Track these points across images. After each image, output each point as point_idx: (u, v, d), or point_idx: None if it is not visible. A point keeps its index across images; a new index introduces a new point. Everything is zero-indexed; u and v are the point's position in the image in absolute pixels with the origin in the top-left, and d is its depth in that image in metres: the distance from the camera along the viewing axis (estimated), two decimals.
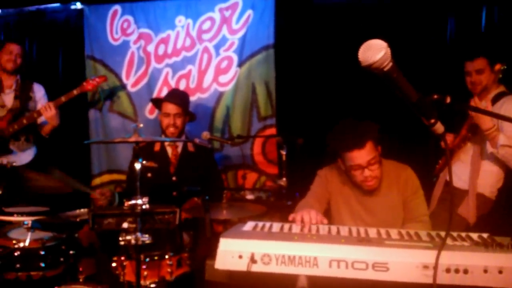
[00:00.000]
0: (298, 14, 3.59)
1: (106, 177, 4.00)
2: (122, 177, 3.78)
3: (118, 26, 3.90)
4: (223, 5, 3.69)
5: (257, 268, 1.44)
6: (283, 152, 3.05)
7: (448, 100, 1.17)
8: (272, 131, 3.66)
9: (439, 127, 1.21)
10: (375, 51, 1.10)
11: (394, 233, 1.64)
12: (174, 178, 3.04)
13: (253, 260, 1.44)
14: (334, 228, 1.70)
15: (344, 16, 3.49)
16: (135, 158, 2.97)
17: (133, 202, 1.96)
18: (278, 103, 3.66)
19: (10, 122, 3.41)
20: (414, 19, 3.33)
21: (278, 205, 2.97)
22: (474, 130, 2.70)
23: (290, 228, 1.71)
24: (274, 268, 1.42)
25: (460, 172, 2.80)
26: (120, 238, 1.93)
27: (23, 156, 3.49)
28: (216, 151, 3.69)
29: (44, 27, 4.14)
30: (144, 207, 1.98)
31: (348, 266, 1.37)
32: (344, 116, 2.14)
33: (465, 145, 2.82)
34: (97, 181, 3.99)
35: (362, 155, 2.00)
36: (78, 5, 3.99)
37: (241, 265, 1.44)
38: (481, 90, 2.71)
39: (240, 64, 3.68)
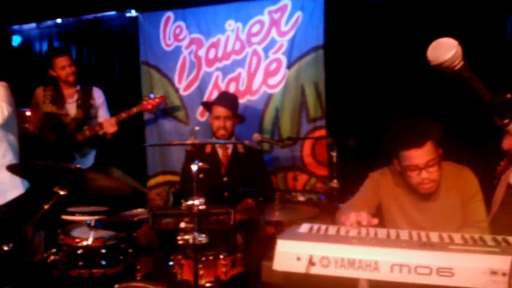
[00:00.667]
0: (349, 13, 3.55)
1: (160, 178, 4.14)
2: (176, 178, 3.89)
3: (171, 32, 4.03)
4: (272, 8, 3.72)
5: (315, 270, 1.44)
6: (334, 154, 3.03)
7: None
8: (322, 132, 3.64)
9: None
10: (445, 50, 1.07)
11: (457, 237, 1.59)
12: (225, 179, 3.10)
13: (311, 263, 1.44)
14: (393, 232, 1.67)
15: (396, 15, 3.41)
16: (189, 160, 3.09)
17: (190, 202, 2.02)
18: (328, 104, 3.63)
19: (74, 130, 3.58)
20: (472, 16, 3.19)
21: (329, 207, 2.94)
22: None
23: (347, 231, 1.69)
24: (333, 271, 1.42)
25: None
26: (178, 238, 1.99)
27: (86, 161, 3.67)
28: (265, 153, 3.72)
29: (101, 34, 4.33)
30: (200, 207, 2.03)
31: (411, 271, 1.34)
32: (396, 118, 2.06)
33: None
34: (152, 181, 4.14)
35: (420, 155, 1.92)
36: (133, 13, 4.15)
37: (299, 267, 1.45)
38: None
39: (289, 66, 3.69)
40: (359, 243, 1.48)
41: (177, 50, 4.01)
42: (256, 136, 3.15)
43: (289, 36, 3.68)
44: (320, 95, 3.64)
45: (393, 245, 1.44)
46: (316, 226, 1.76)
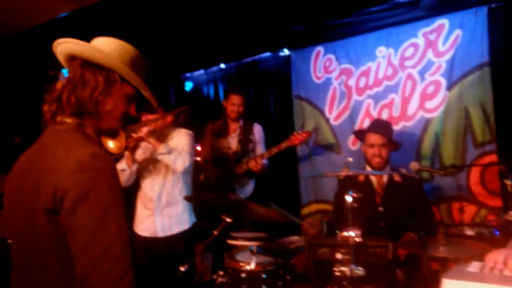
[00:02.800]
0: None
1: (313, 207, 4.20)
2: (328, 206, 3.90)
3: (321, 65, 4.15)
4: (427, 29, 3.54)
5: None
6: (508, 182, 2.68)
7: None
8: (492, 158, 3.24)
9: None
10: None
11: None
12: (380, 209, 2.98)
13: None
14: None
15: None
16: (342, 188, 3.08)
17: (346, 234, 2.01)
18: (498, 127, 3.23)
19: (234, 163, 3.92)
20: None
21: (504, 243, 2.56)
22: None
23: None
24: None
25: None
26: (335, 269, 1.99)
27: (245, 190, 3.94)
28: (425, 182, 3.47)
29: (258, 74, 4.69)
30: (357, 239, 2.00)
31: None
32: None
33: None
34: (305, 210, 4.23)
35: None
36: (286, 51, 4.41)
37: None
38: None
39: (449, 88, 3.43)
40: None
41: (327, 82, 4.10)
42: (414, 165, 2.96)
43: (448, 56, 3.43)
44: (488, 117, 3.26)
45: None
46: (488, 265, 1.57)
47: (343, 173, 2.15)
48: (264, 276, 2.61)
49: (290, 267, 2.70)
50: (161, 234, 3.07)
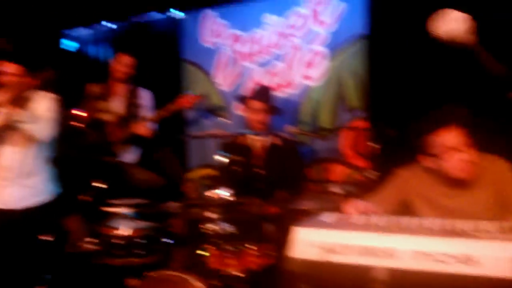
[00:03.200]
0: (392, 3, 3.39)
1: (202, 171, 4.20)
2: (216, 172, 3.92)
3: (211, 29, 4.09)
4: None
5: (334, 258, 1.38)
6: (374, 145, 2.94)
7: None
8: (363, 123, 3.52)
9: None
10: (457, 23, 1.00)
11: (485, 225, 1.46)
12: (260, 171, 3.08)
13: (330, 250, 1.39)
14: (417, 220, 1.57)
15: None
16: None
17: (216, 192, 2.03)
18: (371, 95, 3.50)
19: (117, 127, 3.69)
20: None
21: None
22: None
23: (370, 219, 1.62)
24: (352, 259, 1.36)
25: None
26: (203, 227, 2.00)
27: (128, 157, 3.73)
28: (304, 145, 3.66)
29: (145, 35, 4.45)
30: (227, 198, 2.03)
31: (432, 258, 1.25)
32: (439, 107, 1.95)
33: None
34: (192, 174, 4.21)
35: (454, 136, 1.84)
36: (175, 13, 4.25)
37: (317, 255, 1.40)
38: None
39: (330, 58, 3.61)
40: (380, 230, 1.40)
41: (217, 47, 4.07)
42: (290, 128, 3.11)
43: (331, 27, 3.60)
44: (361, 86, 3.52)
45: (416, 232, 1.36)
46: (339, 215, 1.71)
47: (218, 132, 2.15)
48: (141, 241, 2.58)
49: (168, 231, 2.68)
50: (18, 205, 2.80)
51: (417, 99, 3.24)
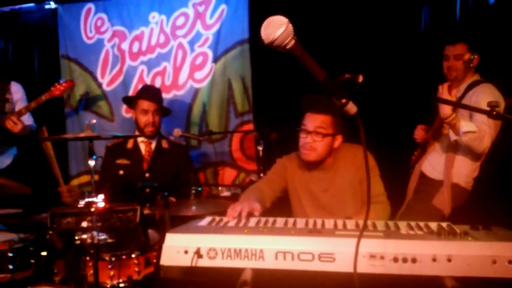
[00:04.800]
0: (274, 6, 3.53)
1: (84, 178, 3.95)
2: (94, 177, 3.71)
3: (92, 24, 3.85)
4: (196, 0, 3.64)
5: (202, 263, 1.39)
6: (260, 148, 3.05)
7: (361, 79, 1.13)
8: (250, 126, 3.62)
9: (352, 108, 1.15)
10: (275, 28, 1.07)
11: (351, 223, 1.60)
12: (147, 175, 2.99)
13: (199, 255, 1.39)
14: (291, 221, 1.65)
15: (320, 8, 3.43)
16: (110, 156, 2.95)
17: (89, 200, 1.91)
18: (254, 98, 3.61)
19: None
20: (389, 9, 3.28)
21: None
22: None
23: (245, 222, 1.66)
24: (220, 262, 1.38)
25: (435, 162, 2.75)
26: (76, 237, 1.88)
27: (2, 160, 3.42)
28: (193, 148, 3.65)
29: (19, 27, 4.08)
30: (101, 205, 1.92)
31: (294, 257, 1.32)
32: None
33: (441, 135, 2.77)
34: (75, 182, 3.94)
35: (313, 120, 2.07)
36: (52, 5, 3.94)
37: (186, 261, 1.40)
38: (455, 76, 2.64)
39: (215, 60, 3.64)
40: (249, 232, 1.44)
41: (99, 43, 3.85)
42: (177, 131, 3.06)
43: (215, 29, 3.62)
44: (247, 89, 3.61)
45: (281, 233, 1.42)
46: (217, 219, 1.72)
47: (83, 134, 2.02)
48: (10, 254, 2.32)
49: (45, 242, 2.46)
50: None
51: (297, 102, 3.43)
